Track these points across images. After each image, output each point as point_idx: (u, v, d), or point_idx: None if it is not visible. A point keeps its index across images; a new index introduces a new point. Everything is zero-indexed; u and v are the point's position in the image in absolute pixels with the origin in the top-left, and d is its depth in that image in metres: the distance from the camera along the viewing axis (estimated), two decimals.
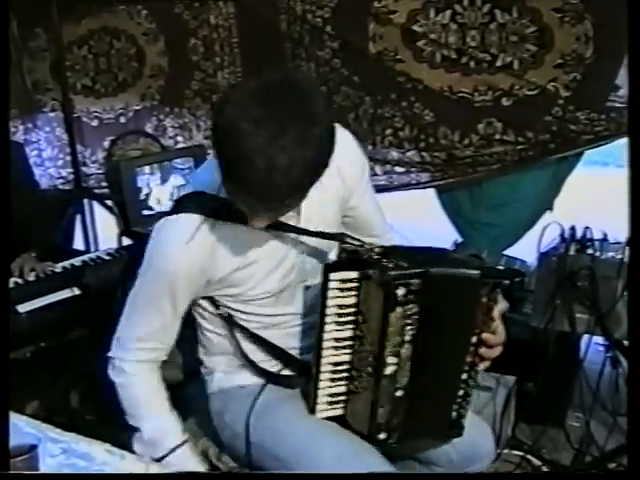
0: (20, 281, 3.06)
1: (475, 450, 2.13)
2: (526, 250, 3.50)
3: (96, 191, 4.33)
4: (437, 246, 2.12)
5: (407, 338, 1.83)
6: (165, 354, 2.06)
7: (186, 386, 2.36)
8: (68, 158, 4.32)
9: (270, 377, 2.09)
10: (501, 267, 1.94)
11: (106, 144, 4.26)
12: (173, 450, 1.98)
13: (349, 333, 1.89)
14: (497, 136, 3.60)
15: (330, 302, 1.85)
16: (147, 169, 3.81)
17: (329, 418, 1.97)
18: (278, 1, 3.77)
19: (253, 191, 1.63)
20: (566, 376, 3.02)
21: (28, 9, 4.04)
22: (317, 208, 1.98)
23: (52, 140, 4.35)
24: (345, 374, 1.92)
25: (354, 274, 1.84)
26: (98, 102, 4.27)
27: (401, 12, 3.57)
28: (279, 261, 1.99)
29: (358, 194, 2.10)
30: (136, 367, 2.02)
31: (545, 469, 3.01)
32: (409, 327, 1.82)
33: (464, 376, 1.95)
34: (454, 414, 1.98)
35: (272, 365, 2.11)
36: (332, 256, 2.10)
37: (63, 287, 2.97)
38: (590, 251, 2.85)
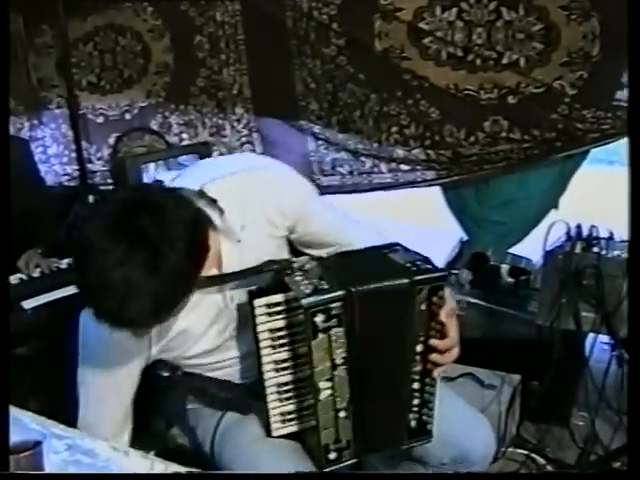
0: (25, 277, 3.07)
1: (466, 454, 2.11)
2: (532, 248, 3.49)
3: (101, 188, 4.32)
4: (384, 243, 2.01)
5: (339, 361, 1.82)
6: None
7: None
8: (73, 155, 4.31)
9: (228, 405, 2.11)
10: (432, 267, 1.83)
11: (111, 141, 4.25)
12: None
13: (286, 354, 1.89)
14: (503, 134, 3.59)
15: (260, 327, 1.85)
16: (152, 166, 3.81)
17: (289, 435, 1.99)
18: None
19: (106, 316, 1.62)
20: (571, 375, 3.01)
21: (34, 6, 4.05)
22: (242, 257, 1.92)
23: (57, 137, 4.34)
24: (291, 393, 1.94)
25: (279, 297, 1.83)
26: (103, 99, 4.25)
27: (407, 9, 3.56)
28: (212, 320, 1.99)
29: (302, 224, 2.04)
30: None
31: (549, 468, 2.99)
32: (339, 350, 1.80)
33: (416, 385, 1.93)
34: (413, 423, 1.97)
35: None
36: None
37: (68, 284, 2.97)
38: (596, 249, 2.84)
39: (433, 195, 3.92)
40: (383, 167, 3.87)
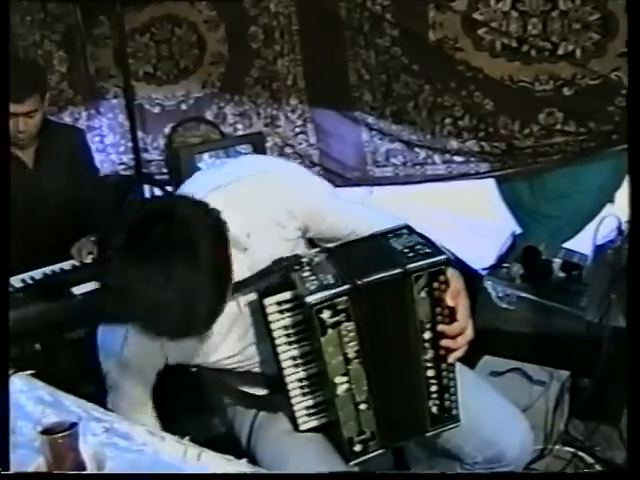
0: (77, 264, 3.13)
1: (500, 453, 2.09)
2: (586, 243, 3.43)
3: (157, 177, 4.37)
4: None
5: (352, 355, 1.82)
6: None
7: None
8: (130, 144, 4.35)
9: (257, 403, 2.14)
10: (432, 251, 1.79)
11: (167, 131, 4.30)
12: None
13: (303, 349, 1.89)
14: (558, 126, 3.52)
15: (273, 326, 1.86)
16: (206, 156, 3.85)
17: (318, 429, 2.00)
18: None
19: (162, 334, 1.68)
20: (621, 373, 2.94)
21: None
22: (252, 263, 1.92)
23: (114, 126, 4.40)
24: (314, 386, 1.94)
25: (287, 295, 1.83)
26: (160, 89, 4.29)
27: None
28: (229, 327, 1.99)
29: (314, 223, 2.02)
30: None
31: (598, 467, 2.94)
32: (351, 343, 1.80)
33: (430, 372, 1.92)
34: (434, 409, 1.96)
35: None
36: None
37: None
38: None
39: (487, 187, 3.87)
40: (437, 158, 3.84)
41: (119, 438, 1.80)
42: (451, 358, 1.91)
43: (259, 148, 3.90)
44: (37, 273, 3.04)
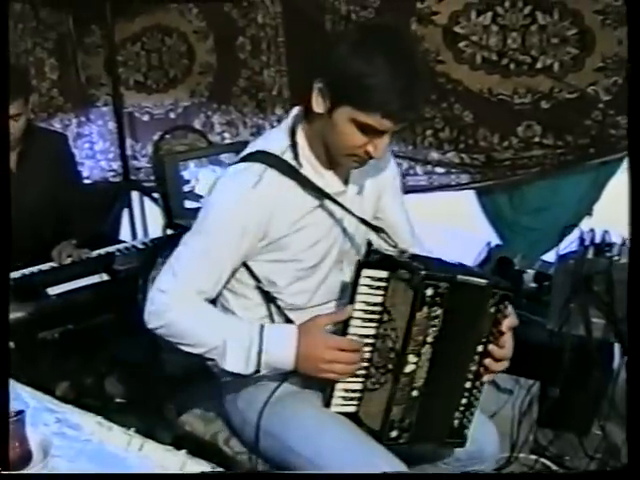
0: (56, 265, 3.18)
1: (481, 449, 2.15)
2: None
3: (145, 184, 4.43)
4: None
5: (429, 339, 1.87)
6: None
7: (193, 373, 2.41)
8: (119, 151, 4.42)
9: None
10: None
11: (156, 138, 4.35)
12: (261, 335, 1.94)
13: (372, 331, 1.92)
14: (536, 139, 3.57)
15: (359, 298, 1.89)
16: (192, 164, 3.89)
17: (342, 414, 1.99)
18: (323, 1, 3.80)
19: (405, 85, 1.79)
20: (584, 382, 2.97)
21: (84, 6, 4.19)
22: (358, 196, 2.11)
23: (104, 134, 4.47)
24: (363, 371, 1.94)
25: (384, 273, 1.88)
26: (149, 98, 4.37)
27: (443, 13, 3.58)
28: (325, 233, 2.06)
29: (388, 195, 2.23)
30: (179, 302, 1.98)
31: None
32: (432, 328, 1.86)
33: (467, 384, 1.99)
34: (456, 422, 2.01)
35: None
36: (363, 249, 2.15)
37: (93, 273, 3.07)
38: (608, 255, 2.82)
39: (468, 199, 3.91)
40: (418, 169, 3.89)
41: (69, 428, 1.85)
42: (486, 377, 2.00)
43: None
44: (16, 274, 3.09)
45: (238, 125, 4.22)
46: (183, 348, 1.99)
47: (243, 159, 2.03)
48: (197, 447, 2.23)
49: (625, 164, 3.52)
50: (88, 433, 1.82)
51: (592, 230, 2.94)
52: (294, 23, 3.95)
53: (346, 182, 2.09)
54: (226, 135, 4.27)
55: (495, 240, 3.84)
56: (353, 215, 2.04)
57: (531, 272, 3.45)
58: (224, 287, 2.08)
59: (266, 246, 2.02)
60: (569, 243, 2.96)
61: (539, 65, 3.47)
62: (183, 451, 1.71)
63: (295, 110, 2.07)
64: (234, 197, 1.96)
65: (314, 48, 3.89)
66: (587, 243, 2.88)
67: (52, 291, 2.96)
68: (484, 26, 3.52)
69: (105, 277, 3.07)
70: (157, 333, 2.00)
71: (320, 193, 2.00)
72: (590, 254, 2.83)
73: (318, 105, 1.91)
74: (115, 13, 4.18)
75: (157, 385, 2.83)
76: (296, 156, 2.01)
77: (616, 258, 2.80)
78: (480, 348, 1.95)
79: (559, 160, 3.56)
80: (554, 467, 3.00)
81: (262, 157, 1.99)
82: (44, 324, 2.97)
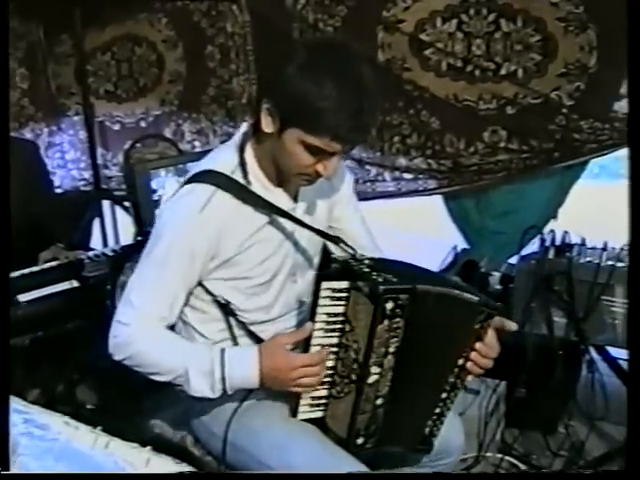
0: (26, 272, 3.18)
1: (447, 443, 2.16)
2: None
3: (116, 193, 4.44)
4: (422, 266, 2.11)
5: (391, 350, 1.88)
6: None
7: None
8: (90, 160, 4.43)
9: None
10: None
11: (127, 147, 4.37)
12: (222, 361, 1.94)
13: (335, 340, 1.93)
14: (502, 144, 3.63)
15: (320, 310, 1.89)
16: (162, 172, 3.91)
17: (309, 420, 2.01)
18: (291, 10, 3.84)
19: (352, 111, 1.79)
20: (552, 381, 3.01)
21: (54, 16, 4.21)
22: (309, 211, 2.11)
23: (75, 143, 4.49)
24: (328, 379, 1.96)
25: (345, 284, 1.88)
26: (120, 107, 4.40)
27: (409, 21, 3.63)
28: (275, 248, 2.06)
29: (342, 204, 2.22)
30: (142, 333, 1.98)
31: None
32: (394, 339, 1.87)
33: (444, 395, 1.99)
34: (427, 430, 2.03)
35: None
36: (316, 260, 2.20)
37: (63, 279, 3.08)
38: (568, 255, 2.87)
39: (435, 204, 3.95)
40: (387, 176, 3.93)
41: (36, 428, 1.86)
42: (469, 374, 2.00)
43: None
44: None
45: (208, 133, 4.26)
46: (151, 377, 2.00)
47: (191, 179, 2.01)
48: (165, 449, 2.24)
49: (588, 167, 3.61)
50: (55, 432, 1.83)
51: (552, 231, 2.99)
52: (262, 32, 3.99)
53: (295, 199, 2.09)
54: (196, 143, 4.30)
55: (462, 244, 3.89)
56: (306, 226, 2.06)
57: (497, 275, 3.48)
58: (183, 308, 2.08)
59: (218, 266, 2.02)
60: (530, 244, 3.00)
61: (503, 71, 3.53)
62: (148, 448, 1.72)
63: (244, 127, 2.06)
64: (181, 222, 1.97)
65: (282, 56, 3.95)
66: (548, 244, 2.93)
67: (22, 298, 2.96)
68: (449, 33, 3.58)
69: (75, 284, 3.08)
70: (124, 364, 2.01)
71: (270, 209, 2.01)
72: (551, 254, 2.88)
73: (267, 125, 1.90)
74: (85, 23, 4.19)
75: (127, 391, 2.84)
76: (245, 174, 2.00)
77: (576, 258, 2.85)
78: (460, 362, 1.96)
79: (524, 164, 3.62)
80: (521, 466, 3.03)
81: (210, 178, 1.98)
82: (14, 331, 2.97)
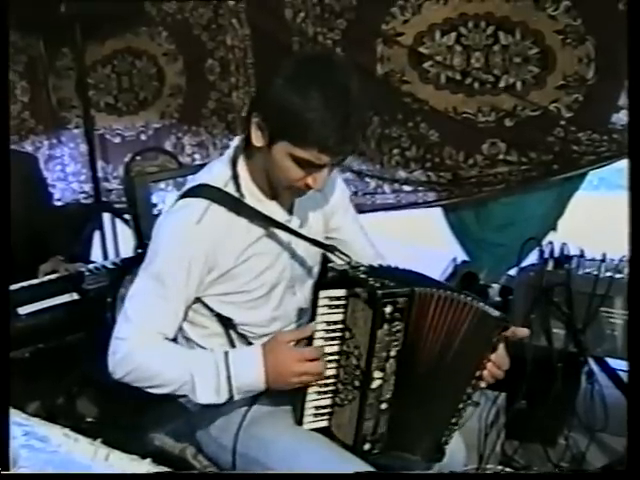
0: (26, 285, 3.18)
1: (450, 457, 2.11)
2: None
3: (117, 206, 4.45)
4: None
5: (392, 354, 1.88)
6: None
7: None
8: (90, 173, 4.44)
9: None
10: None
11: (127, 160, 4.38)
12: (227, 362, 1.94)
13: (336, 348, 1.93)
14: (501, 156, 3.63)
15: (319, 318, 1.90)
16: (162, 185, 3.93)
17: (314, 430, 2.01)
18: (291, 23, 3.86)
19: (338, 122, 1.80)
20: (552, 393, 3.01)
21: (55, 30, 4.22)
22: (305, 223, 2.12)
23: (75, 156, 4.50)
24: (331, 387, 1.96)
25: (342, 292, 1.89)
26: (120, 120, 4.42)
27: (408, 34, 3.65)
28: (272, 261, 2.07)
29: (339, 214, 2.22)
30: (140, 345, 1.98)
31: None
32: (394, 343, 1.87)
33: (460, 405, 2.00)
34: (444, 438, 2.01)
35: None
36: (315, 270, 2.20)
37: (63, 292, 3.09)
38: (567, 267, 2.88)
39: (435, 216, 3.96)
40: (386, 188, 3.94)
41: (36, 440, 1.86)
42: (483, 383, 2.01)
43: None
44: None
45: (208, 146, 4.27)
46: (153, 391, 1.99)
47: (185, 194, 2.03)
48: (166, 461, 2.24)
49: (587, 178, 3.62)
50: (55, 445, 1.83)
51: (551, 243, 3.00)
52: (262, 45, 4.00)
53: (290, 211, 2.10)
54: (196, 156, 4.31)
55: (462, 256, 3.89)
56: (300, 236, 2.06)
57: (496, 286, 3.49)
58: (182, 323, 2.08)
59: (215, 279, 2.03)
60: (529, 256, 3.01)
61: (502, 84, 3.54)
62: (148, 460, 1.73)
63: (236, 140, 2.08)
64: (177, 235, 1.98)
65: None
66: (547, 256, 2.94)
67: (22, 310, 2.97)
68: (448, 46, 3.59)
69: (75, 296, 3.09)
70: (125, 382, 2.00)
71: (266, 221, 2.02)
72: (550, 266, 2.89)
73: (257, 139, 1.91)
74: (85, 36, 4.21)
75: (127, 404, 2.84)
76: (238, 187, 2.01)
77: (575, 270, 2.86)
78: (479, 373, 1.97)
79: (523, 176, 3.62)
80: None
81: (204, 192, 1.99)
82: (14, 343, 2.97)
